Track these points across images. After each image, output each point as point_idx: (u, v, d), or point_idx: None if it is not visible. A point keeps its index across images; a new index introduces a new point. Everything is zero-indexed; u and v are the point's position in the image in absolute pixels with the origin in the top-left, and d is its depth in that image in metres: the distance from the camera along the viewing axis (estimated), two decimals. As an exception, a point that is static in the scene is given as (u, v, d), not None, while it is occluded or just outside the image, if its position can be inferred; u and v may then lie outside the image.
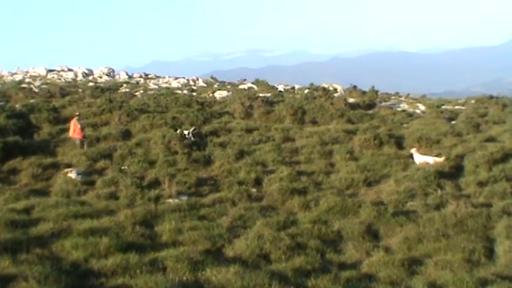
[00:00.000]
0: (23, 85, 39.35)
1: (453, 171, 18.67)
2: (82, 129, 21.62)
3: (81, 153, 20.17)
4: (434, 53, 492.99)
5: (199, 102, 31.61)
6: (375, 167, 19.55)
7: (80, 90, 38.29)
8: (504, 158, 19.23)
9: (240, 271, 8.75)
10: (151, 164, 19.69)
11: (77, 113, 23.19)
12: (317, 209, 14.61)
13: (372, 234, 12.87)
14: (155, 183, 17.26)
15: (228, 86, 46.37)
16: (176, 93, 38.43)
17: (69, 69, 53.88)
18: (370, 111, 31.70)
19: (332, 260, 10.97)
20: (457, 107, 34.46)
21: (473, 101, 35.97)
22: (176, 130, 22.64)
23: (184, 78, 51.41)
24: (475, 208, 13.84)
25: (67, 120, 26.37)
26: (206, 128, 24.78)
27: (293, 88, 46.70)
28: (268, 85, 46.73)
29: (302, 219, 13.82)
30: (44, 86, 40.02)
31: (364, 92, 39.96)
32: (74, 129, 21.41)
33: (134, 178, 17.09)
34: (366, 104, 33.91)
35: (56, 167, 19.04)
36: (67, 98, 32.57)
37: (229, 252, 10.86)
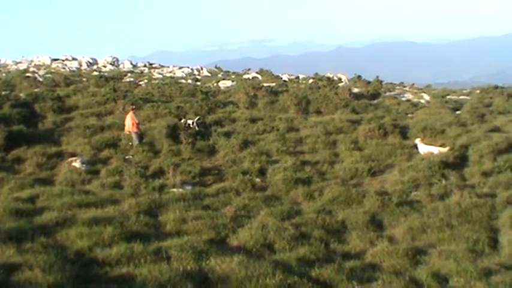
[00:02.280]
0: (28, 74, 39.33)
1: (457, 162, 18.63)
2: (138, 123, 20.31)
3: (85, 142, 20.15)
4: (439, 44, 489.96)
5: (204, 92, 31.59)
6: (379, 157, 19.53)
7: (84, 79, 38.27)
8: (509, 148, 19.16)
9: (244, 260, 8.76)
10: (156, 153, 19.72)
11: (132, 106, 22.01)
12: (321, 199, 14.64)
13: (376, 224, 12.88)
14: (159, 172, 17.32)
15: (233, 76, 46.35)
16: (180, 83, 38.44)
17: (74, 59, 53.81)
18: (375, 101, 31.65)
19: (336, 250, 10.97)
20: (462, 97, 34.35)
21: (478, 91, 35.86)
22: (180, 120, 22.63)
23: (188, 67, 51.38)
24: (480, 198, 13.82)
25: (71, 109, 26.43)
26: (210, 118, 24.76)
27: (297, 78, 46.64)
28: (273, 75, 46.65)
29: (306, 209, 13.85)
30: (49, 75, 40.00)
31: (368, 82, 39.89)
32: (133, 123, 20.12)
33: (138, 167, 17.15)
34: (370, 94, 33.85)
35: (61, 156, 19.07)
36: (71, 87, 32.59)
37: (233, 241, 10.89)
